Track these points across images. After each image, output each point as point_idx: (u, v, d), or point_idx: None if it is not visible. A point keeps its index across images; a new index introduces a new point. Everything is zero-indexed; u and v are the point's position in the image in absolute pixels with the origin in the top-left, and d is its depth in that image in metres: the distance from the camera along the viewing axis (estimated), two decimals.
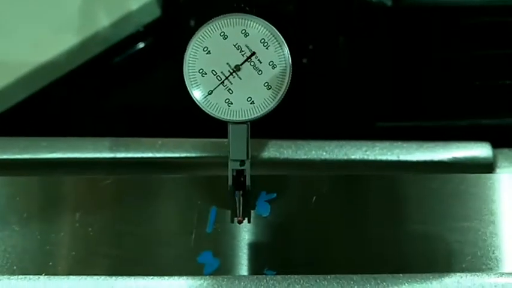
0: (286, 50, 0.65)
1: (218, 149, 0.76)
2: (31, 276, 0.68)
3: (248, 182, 0.69)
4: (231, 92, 0.66)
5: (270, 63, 0.66)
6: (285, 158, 0.77)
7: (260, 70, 0.66)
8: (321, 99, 0.91)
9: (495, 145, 0.78)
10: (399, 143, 0.77)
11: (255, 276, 0.67)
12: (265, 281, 0.67)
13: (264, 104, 0.66)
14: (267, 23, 0.65)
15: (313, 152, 0.77)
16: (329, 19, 0.90)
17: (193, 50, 0.66)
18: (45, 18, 0.91)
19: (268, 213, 0.71)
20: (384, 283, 0.66)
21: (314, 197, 0.72)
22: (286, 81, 0.66)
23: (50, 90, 0.91)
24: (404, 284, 0.66)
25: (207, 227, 0.71)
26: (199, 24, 0.94)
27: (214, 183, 0.72)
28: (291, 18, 0.91)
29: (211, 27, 0.66)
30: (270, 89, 0.66)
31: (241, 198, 0.69)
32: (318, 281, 0.67)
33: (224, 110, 0.66)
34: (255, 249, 0.70)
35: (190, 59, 0.66)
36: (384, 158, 0.77)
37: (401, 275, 0.66)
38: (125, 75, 0.94)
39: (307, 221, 0.72)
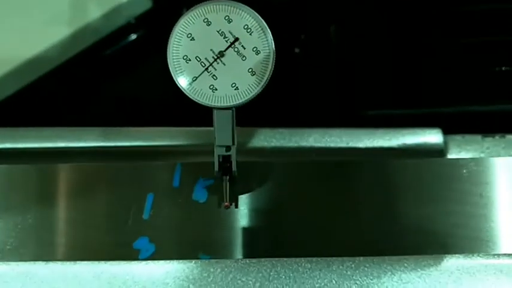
0: (270, 36, 0.66)
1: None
2: None
3: (234, 167, 0.69)
4: (215, 78, 0.66)
5: (254, 49, 0.66)
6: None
7: (244, 56, 0.66)
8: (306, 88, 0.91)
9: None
10: (351, 130, 0.77)
11: (193, 261, 0.69)
12: (199, 264, 0.68)
13: (248, 90, 0.66)
14: (250, 9, 0.66)
15: (264, 139, 0.77)
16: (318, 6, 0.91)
17: (177, 37, 0.66)
18: (36, 11, 0.91)
19: (205, 199, 0.72)
20: (310, 264, 0.67)
21: (254, 183, 0.72)
22: (269, 67, 0.66)
23: (41, 83, 0.92)
24: (330, 266, 0.67)
25: (143, 213, 0.71)
26: None
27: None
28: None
29: (195, 13, 0.66)
30: (254, 75, 0.66)
31: (227, 183, 0.70)
32: (250, 263, 0.68)
33: (209, 96, 0.66)
34: (191, 234, 0.71)
35: (174, 45, 0.66)
36: (333, 145, 0.77)
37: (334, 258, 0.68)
38: (116, 66, 0.94)
39: (245, 206, 0.72)
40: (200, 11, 0.66)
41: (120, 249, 0.70)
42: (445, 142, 0.77)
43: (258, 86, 0.66)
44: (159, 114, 0.93)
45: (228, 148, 0.69)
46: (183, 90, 0.66)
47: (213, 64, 0.66)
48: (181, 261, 0.69)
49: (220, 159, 0.69)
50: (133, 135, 0.78)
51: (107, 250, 0.71)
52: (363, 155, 0.77)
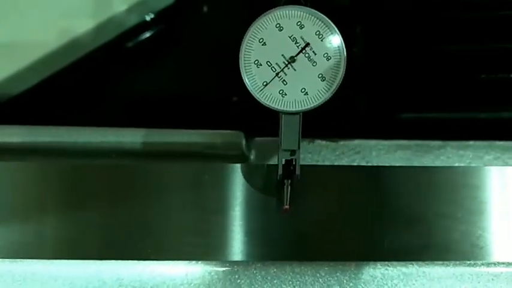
0: (341, 42, 0.66)
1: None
2: None
3: (298, 171, 0.70)
4: (285, 83, 0.67)
5: (325, 55, 0.67)
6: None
7: (315, 62, 0.66)
8: None
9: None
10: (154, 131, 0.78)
11: None
12: None
13: (317, 96, 0.67)
14: (323, 15, 0.66)
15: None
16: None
17: (249, 41, 0.66)
18: (59, 3, 0.90)
19: None
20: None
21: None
22: (340, 73, 0.67)
23: (62, 75, 0.90)
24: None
25: None
26: (212, 10, 0.95)
27: None
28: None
29: (267, 18, 0.66)
30: (324, 80, 0.67)
31: (289, 187, 0.70)
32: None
33: (278, 101, 0.67)
34: None
35: (246, 50, 0.66)
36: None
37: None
38: (138, 61, 0.94)
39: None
40: (273, 16, 0.66)
41: None
42: (248, 145, 0.78)
43: (327, 91, 0.67)
44: (177, 110, 0.92)
45: (293, 152, 0.69)
46: (253, 94, 0.67)
47: (284, 69, 0.66)
48: None
49: (284, 163, 0.70)
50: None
51: None
52: (159, 156, 0.77)
